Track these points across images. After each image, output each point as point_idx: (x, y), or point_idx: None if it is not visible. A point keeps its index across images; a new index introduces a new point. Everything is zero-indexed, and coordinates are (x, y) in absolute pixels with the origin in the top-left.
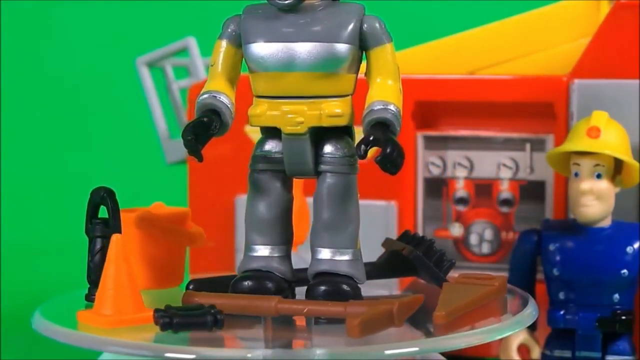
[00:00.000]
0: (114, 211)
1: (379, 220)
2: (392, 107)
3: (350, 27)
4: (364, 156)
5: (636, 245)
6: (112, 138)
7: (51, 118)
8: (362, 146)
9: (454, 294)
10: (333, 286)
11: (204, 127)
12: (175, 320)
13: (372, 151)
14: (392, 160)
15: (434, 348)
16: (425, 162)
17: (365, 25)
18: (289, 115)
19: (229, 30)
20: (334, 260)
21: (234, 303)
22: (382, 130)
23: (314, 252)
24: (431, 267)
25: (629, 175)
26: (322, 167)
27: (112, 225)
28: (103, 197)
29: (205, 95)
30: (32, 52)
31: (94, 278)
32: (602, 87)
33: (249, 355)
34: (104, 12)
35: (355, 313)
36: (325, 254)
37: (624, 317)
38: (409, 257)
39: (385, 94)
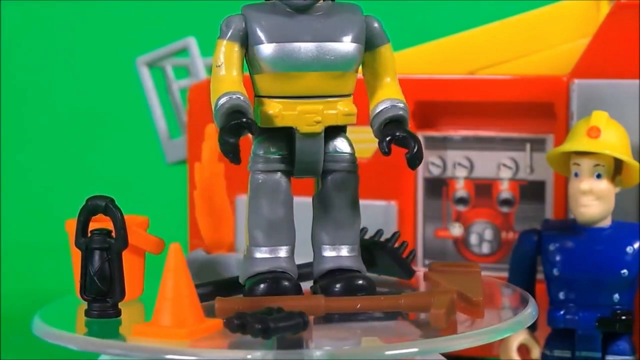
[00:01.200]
0: (121, 222)
1: (379, 220)
2: (401, 104)
3: (358, 26)
4: (388, 153)
5: (636, 245)
6: (112, 138)
7: (51, 118)
8: (386, 142)
9: (459, 281)
10: (349, 282)
11: (242, 129)
12: (272, 326)
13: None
14: (419, 157)
15: (434, 348)
16: (425, 162)
17: (369, 25)
18: (306, 115)
19: (234, 29)
20: (341, 256)
21: (280, 305)
22: (401, 127)
23: (319, 250)
24: (402, 260)
25: (629, 175)
26: (330, 165)
27: (120, 237)
28: (107, 206)
29: (226, 98)
30: (32, 52)
31: (95, 293)
32: (602, 87)
33: (249, 356)
34: (104, 12)
35: (423, 304)
36: (332, 251)
37: (624, 317)
38: (379, 250)
39: (392, 92)
